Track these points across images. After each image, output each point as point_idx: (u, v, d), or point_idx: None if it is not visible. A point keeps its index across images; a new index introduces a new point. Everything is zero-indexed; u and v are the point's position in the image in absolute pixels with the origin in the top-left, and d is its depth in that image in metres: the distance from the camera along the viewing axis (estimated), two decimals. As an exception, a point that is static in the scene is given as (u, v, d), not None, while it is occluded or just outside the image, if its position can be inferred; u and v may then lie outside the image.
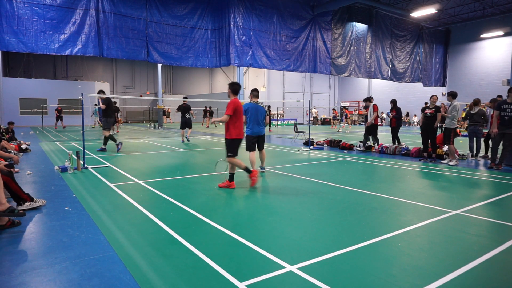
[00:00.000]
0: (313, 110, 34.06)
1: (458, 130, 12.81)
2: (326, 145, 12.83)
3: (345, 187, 5.99)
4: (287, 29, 17.82)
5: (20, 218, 4.05)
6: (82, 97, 7.85)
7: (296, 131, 14.44)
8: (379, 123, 12.38)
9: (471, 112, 9.68)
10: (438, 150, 9.50)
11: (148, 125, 27.51)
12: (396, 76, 23.27)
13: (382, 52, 22.22)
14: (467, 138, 10.22)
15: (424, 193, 5.66)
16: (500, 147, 8.23)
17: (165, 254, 3.18)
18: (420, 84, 25.87)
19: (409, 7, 21.59)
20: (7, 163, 5.15)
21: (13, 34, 11.82)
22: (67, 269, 2.87)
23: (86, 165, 7.72)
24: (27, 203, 4.53)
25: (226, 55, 15.93)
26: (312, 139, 13.21)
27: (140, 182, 6.33)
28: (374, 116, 11.34)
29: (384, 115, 30.68)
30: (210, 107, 28.90)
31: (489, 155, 8.96)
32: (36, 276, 2.76)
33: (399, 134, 12.27)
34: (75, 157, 7.69)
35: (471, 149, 9.89)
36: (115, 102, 18.69)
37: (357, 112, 34.98)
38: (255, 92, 7.03)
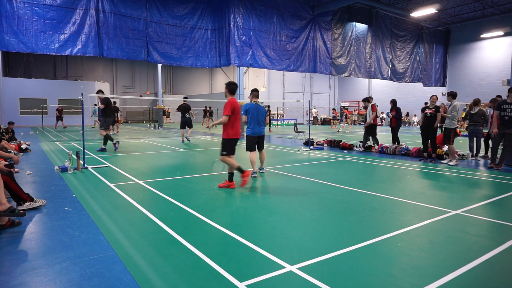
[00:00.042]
0: (313, 110, 34.06)
1: (458, 130, 12.81)
2: (326, 145, 12.83)
3: (345, 187, 5.99)
4: (287, 29, 17.81)
5: (20, 218, 4.05)
6: (82, 97, 7.85)
7: (296, 131, 14.44)
8: (379, 123, 12.39)
9: (471, 112, 9.68)
10: (438, 150, 9.50)
11: (148, 125, 27.51)
12: (396, 76, 23.27)
13: (382, 52, 22.22)
14: (467, 138, 10.22)
15: (424, 193, 5.66)
16: (500, 147, 8.23)
17: (165, 254, 3.18)
18: (420, 84, 25.87)
19: (409, 7, 21.58)
20: (7, 163, 5.15)
21: (13, 34, 11.82)
22: (67, 269, 2.87)
23: (86, 165, 7.72)
24: (27, 203, 4.53)
25: (226, 55, 15.93)
26: (312, 139, 13.21)
27: (140, 182, 6.33)
28: (372, 116, 11.34)
29: (384, 115, 30.69)
30: (210, 107, 28.90)
31: (489, 155, 8.96)
32: (36, 276, 2.76)
33: (399, 134, 12.27)
34: (75, 157, 7.69)
35: (471, 149, 9.89)
36: (114, 102, 18.71)
37: (357, 112, 34.99)
38: (255, 92, 7.02)
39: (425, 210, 4.66)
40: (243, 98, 18.02)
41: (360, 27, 20.96)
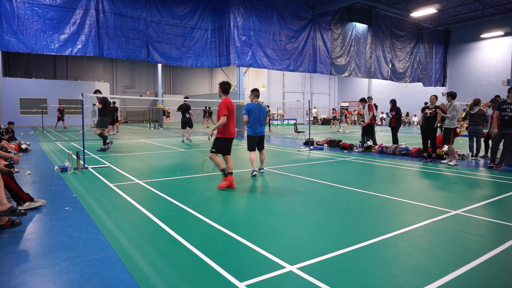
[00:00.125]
0: (313, 110, 34.06)
1: (458, 130, 12.80)
2: (326, 145, 12.83)
3: (345, 187, 5.99)
4: (287, 29, 17.81)
5: (20, 218, 4.05)
6: (82, 97, 7.85)
7: (296, 131, 14.44)
8: (378, 123, 12.39)
9: (471, 112, 9.68)
10: (438, 150, 9.50)
11: (148, 125, 27.51)
12: (396, 76, 23.27)
13: (382, 52, 22.22)
14: (467, 138, 10.22)
15: (424, 193, 5.66)
16: (500, 147, 8.23)
17: (165, 254, 3.18)
18: (420, 84, 25.86)
19: (409, 7, 21.58)
20: (7, 163, 5.15)
21: (13, 34, 11.82)
22: (67, 269, 2.87)
23: (86, 165, 7.72)
24: (27, 203, 4.53)
25: (226, 55, 15.93)
26: (312, 139, 13.21)
27: (140, 182, 6.33)
28: (370, 116, 11.32)
29: (384, 115, 30.68)
30: (209, 107, 28.90)
31: (489, 155, 8.96)
32: (36, 276, 2.76)
33: (399, 134, 12.27)
34: (75, 157, 7.69)
35: (471, 149, 9.89)
36: (114, 102, 18.69)
37: (356, 112, 34.98)
38: (256, 92, 7.05)
39: (425, 210, 4.66)
40: (243, 98, 18.00)
41: (360, 27, 20.96)
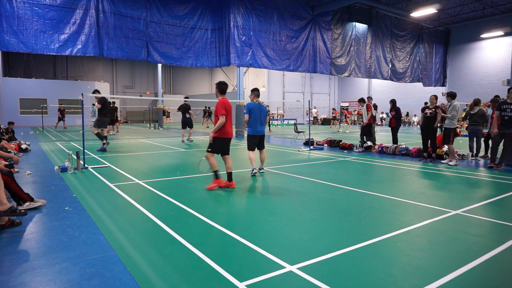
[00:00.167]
0: (313, 110, 34.06)
1: (458, 130, 12.79)
2: (326, 145, 12.83)
3: (345, 187, 5.99)
4: (287, 29, 17.81)
5: (20, 217, 4.05)
6: (82, 97, 7.85)
7: (296, 131, 14.45)
8: (378, 123, 12.39)
9: (471, 112, 9.68)
10: (438, 150, 9.50)
11: (148, 125, 27.51)
12: (396, 76, 23.27)
13: (382, 52, 22.22)
14: (467, 138, 10.22)
15: (424, 193, 5.66)
16: (500, 147, 8.24)
17: (165, 254, 3.18)
18: (420, 84, 25.87)
19: (409, 7, 21.59)
20: (7, 163, 5.15)
21: (13, 34, 11.82)
22: (67, 269, 2.87)
23: (86, 165, 7.72)
24: (27, 203, 4.53)
25: (226, 55, 15.93)
26: (312, 139, 13.21)
27: (140, 182, 6.33)
28: (368, 116, 11.30)
29: (384, 115, 30.68)
30: (209, 107, 28.90)
31: (489, 155, 8.96)
32: (36, 276, 2.76)
33: (399, 134, 12.27)
34: (75, 157, 7.69)
35: (471, 149, 9.89)
36: (114, 102, 18.69)
37: (356, 112, 34.97)
38: (256, 92, 7.06)
39: (425, 210, 4.66)
40: (243, 98, 18.00)
41: (360, 27, 20.96)
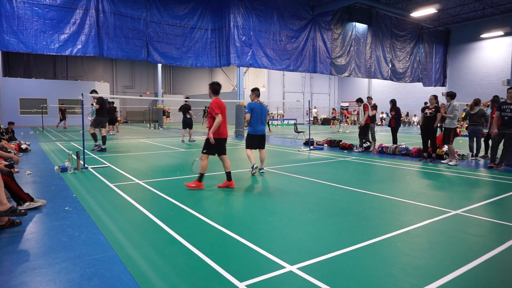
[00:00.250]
0: (313, 110, 34.07)
1: (458, 130, 12.79)
2: (326, 145, 12.83)
3: (345, 187, 5.99)
4: (287, 29, 17.82)
5: (20, 218, 4.05)
6: (82, 97, 7.85)
7: (296, 131, 14.44)
8: (378, 123, 12.37)
9: (471, 112, 9.68)
10: (438, 150, 9.50)
11: (148, 125, 27.51)
12: (396, 76, 23.27)
13: (382, 52, 22.22)
14: (467, 138, 10.22)
15: (424, 193, 5.66)
16: (500, 147, 8.24)
17: (165, 254, 3.18)
18: (420, 84, 25.87)
19: (409, 7, 21.59)
20: (7, 163, 5.15)
21: (13, 34, 11.82)
22: (67, 269, 2.87)
23: (86, 165, 7.72)
24: (27, 203, 4.53)
25: (226, 55, 15.93)
26: (312, 139, 13.21)
27: (140, 182, 6.33)
28: (365, 116, 11.29)
29: (384, 115, 30.67)
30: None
31: (489, 155, 8.96)
32: (36, 276, 2.76)
33: (399, 134, 12.27)
34: (75, 157, 7.69)
35: (471, 149, 9.89)
36: (113, 102, 18.67)
37: (356, 112, 34.96)
38: (257, 91, 7.08)
39: (425, 210, 4.66)
40: (243, 98, 18.00)
41: (360, 27, 20.96)
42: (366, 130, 11.38)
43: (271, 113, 33.68)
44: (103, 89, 30.43)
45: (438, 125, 9.57)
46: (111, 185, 6.00)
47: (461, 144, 12.79)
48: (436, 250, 3.30)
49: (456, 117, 8.69)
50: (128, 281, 2.67)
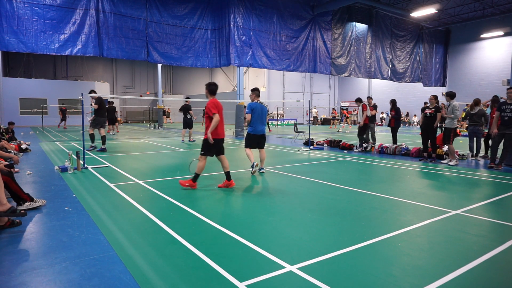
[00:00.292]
0: (313, 110, 34.07)
1: (458, 130, 12.79)
2: (326, 145, 12.83)
3: (345, 187, 5.99)
4: (287, 29, 17.81)
5: (20, 218, 4.05)
6: (82, 97, 7.84)
7: (296, 131, 14.45)
8: (378, 123, 12.37)
9: (471, 112, 9.68)
10: (438, 150, 9.50)
11: (148, 125, 27.51)
12: (396, 76, 23.27)
13: (382, 52, 22.22)
14: (467, 138, 10.22)
15: (424, 193, 5.66)
16: (500, 147, 8.24)
17: (165, 254, 3.18)
18: (420, 84, 25.87)
19: (409, 7, 21.59)
20: (7, 163, 5.15)
21: (13, 34, 11.82)
22: (67, 269, 2.87)
23: (86, 165, 7.72)
24: (27, 203, 4.53)
25: (226, 55, 15.93)
26: (312, 139, 13.21)
27: (140, 182, 6.33)
28: (364, 116, 11.29)
29: (384, 115, 30.66)
30: (209, 107, 28.85)
31: (489, 155, 8.96)
32: (36, 276, 2.76)
33: (399, 134, 12.27)
34: (75, 157, 7.69)
35: (471, 149, 9.89)
36: (112, 102, 18.66)
37: (356, 112, 34.95)
38: (257, 92, 7.10)
39: (425, 210, 4.66)
40: (243, 98, 18.00)
41: (360, 27, 20.96)
42: (364, 131, 11.37)
43: (271, 113, 33.68)
44: (103, 89, 30.43)
45: (438, 125, 9.57)
46: (111, 185, 6.00)
47: (461, 144, 12.79)
48: (436, 250, 3.30)
49: (457, 117, 8.69)
50: (128, 281, 2.67)
